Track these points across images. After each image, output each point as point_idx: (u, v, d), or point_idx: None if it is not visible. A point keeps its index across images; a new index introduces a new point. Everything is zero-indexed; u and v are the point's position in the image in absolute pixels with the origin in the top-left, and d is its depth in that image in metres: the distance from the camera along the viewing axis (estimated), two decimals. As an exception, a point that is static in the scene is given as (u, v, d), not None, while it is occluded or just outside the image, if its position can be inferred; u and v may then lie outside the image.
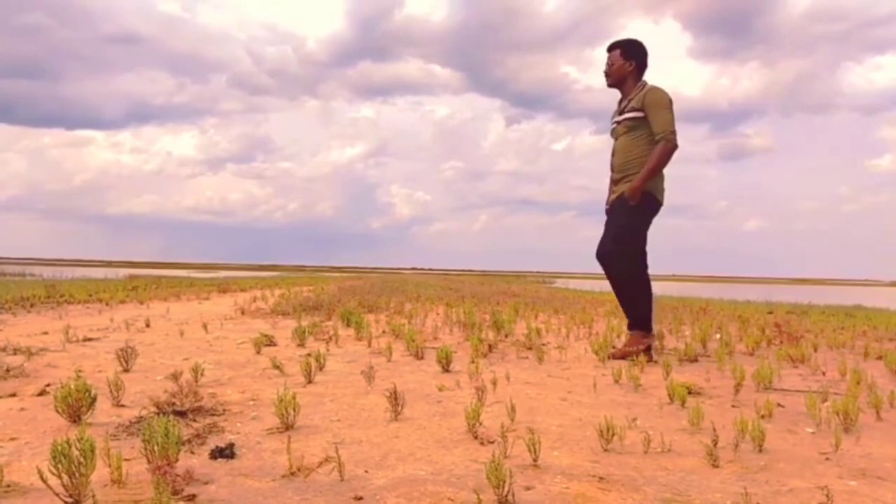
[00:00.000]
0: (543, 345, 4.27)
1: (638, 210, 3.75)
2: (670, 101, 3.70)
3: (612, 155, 3.93)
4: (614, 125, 3.92)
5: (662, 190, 3.84)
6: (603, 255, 3.87)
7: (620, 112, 3.87)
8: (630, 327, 3.85)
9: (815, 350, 4.30)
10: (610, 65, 3.91)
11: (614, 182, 3.91)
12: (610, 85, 3.95)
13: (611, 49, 3.92)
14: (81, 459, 1.38)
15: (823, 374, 3.40)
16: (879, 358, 3.98)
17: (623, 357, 3.64)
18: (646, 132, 3.73)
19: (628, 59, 3.87)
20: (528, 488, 1.53)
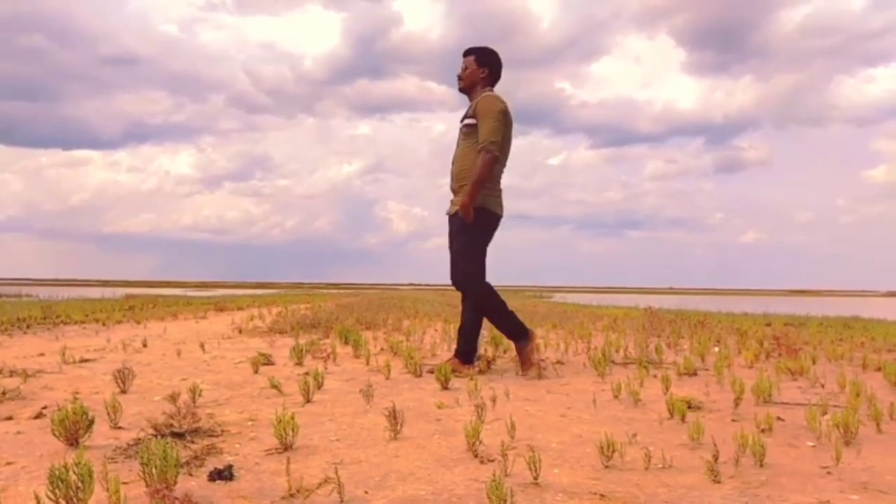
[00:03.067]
0: (542, 360, 4.26)
1: (475, 227, 3.69)
2: (500, 111, 3.65)
3: (452, 163, 3.87)
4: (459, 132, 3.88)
5: (499, 202, 3.79)
6: (457, 281, 3.82)
7: (462, 119, 3.83)
8: (517, 343, 3.84)
9: (814, 362, 4.29)
10: (464, 69, 3.87)
11: (453, 191, 3.85)
12: (460, 89, 3.90)
13: (466, 54, 3.89)
14: (79, 484, 1.37)
15: (822, 386, 3.40)
16: (878, 369, 3.98)
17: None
18: (469, 138, 3.69)
19: (482, 65, 3.84)
20: (529, 507, 1.52)
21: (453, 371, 3.59)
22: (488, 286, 3.82)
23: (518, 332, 3.84)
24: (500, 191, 3.81)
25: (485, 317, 3.89)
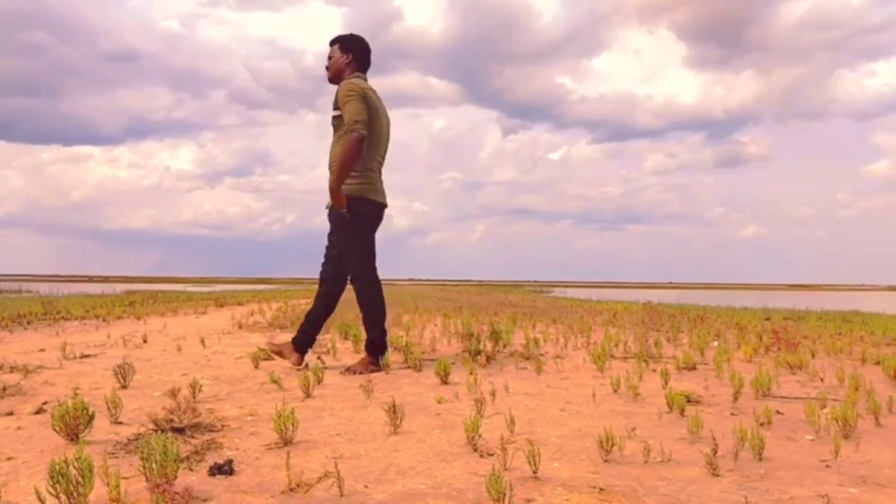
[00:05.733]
0: (542, 355, 4.27)
1: (355, 220, 3.58)
2: (359, 92, 3.50)
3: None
4: None
5: (376, 189, 3.67)
6: (351, 278, 3.71)
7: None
8: (366, 348, 3.74)
9: (813, 356, 4.30)
10: (329, 58, 3.77)
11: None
12: (329, 80, 3.78)
13: (331, 44, 3.79)
14: (79, 479, 1.37)
15: (822, 380, 3.40)
16: (877, 363, 3.99)
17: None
18: (339, 129, 3.59)
19: (346, 52, 3.71)
20: (528, 501, 1.52)
21: (278, 354, 3.63)
22: (376, 285, 3.72)
23: (377, 344, 3.71)
24: (373, 178, 3.67)
25: (366, 316, 3.74)
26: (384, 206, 3.74)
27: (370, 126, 3.58)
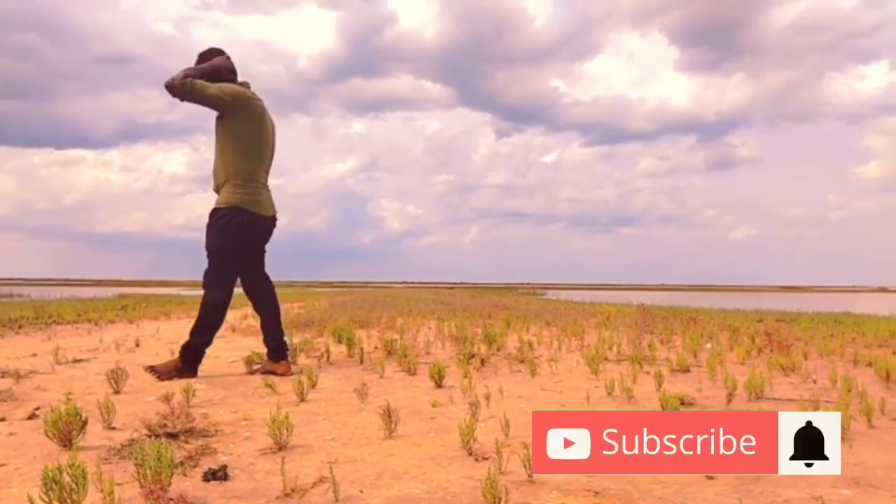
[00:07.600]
0: (535, 358, 4.27)
1: (225, 227, 3.50)
2: (229, 88, 3.53)
3: None
4: None
5: (258, 202, 3.59)
6: (249, 293, 3.73)
7: None
8: (181, 349, 3.63)
9: (806, 358, 4.32)
10: None
11: (215, 191, 3.67)
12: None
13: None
14: (73, 485, 1.36)
15: (814, 382, 3.42)
16: (869, 364, 4.01)
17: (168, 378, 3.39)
18: (219, 137, 3.59)
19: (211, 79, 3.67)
20: (523, 505, 1.52)
21: (267, 373, 3.55)
22: (221, 297, 3.65)
23: (189, 359, 3.57)
24: (258, 189, 3.60)
25: (199, 320, 3.70)
26: (267, 217, 3.67)
27: (255, 135, 3.56)
